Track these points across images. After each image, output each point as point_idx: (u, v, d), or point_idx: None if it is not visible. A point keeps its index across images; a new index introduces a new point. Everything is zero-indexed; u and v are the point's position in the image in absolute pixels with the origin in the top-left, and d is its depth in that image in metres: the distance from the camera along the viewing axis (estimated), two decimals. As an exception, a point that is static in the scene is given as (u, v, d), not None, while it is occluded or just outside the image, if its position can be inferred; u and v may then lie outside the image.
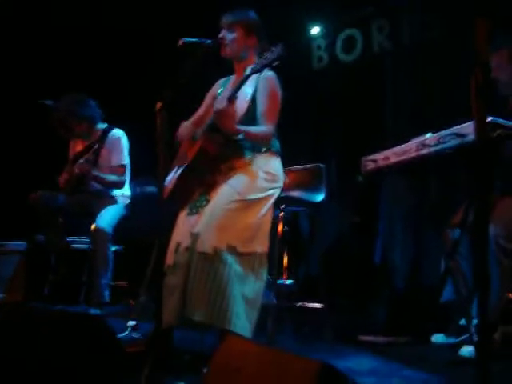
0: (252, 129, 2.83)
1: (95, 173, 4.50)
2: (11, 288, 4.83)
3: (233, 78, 3.21)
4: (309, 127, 5.82)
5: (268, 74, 2.92)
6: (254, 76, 2.80)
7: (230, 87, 3.09)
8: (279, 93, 2.98)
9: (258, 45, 3.06)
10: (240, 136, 2.79)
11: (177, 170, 3.09)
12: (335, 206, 5.29)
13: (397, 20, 5.19)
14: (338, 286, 4.71)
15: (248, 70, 2.67)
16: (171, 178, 3.09)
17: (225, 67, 3.23)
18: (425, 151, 2.87)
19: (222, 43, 3.00)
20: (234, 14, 3.06)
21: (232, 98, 2.68)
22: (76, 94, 4.65)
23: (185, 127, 3.14)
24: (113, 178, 4.59)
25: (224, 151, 2.86)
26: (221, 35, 3.01)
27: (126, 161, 4.66)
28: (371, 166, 3.20)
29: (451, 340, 3.20)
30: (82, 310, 4.23)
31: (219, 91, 3.22)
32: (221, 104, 2.68)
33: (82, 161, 4.49)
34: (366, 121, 5.26)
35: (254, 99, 2.90)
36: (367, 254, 5.04)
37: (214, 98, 3.25)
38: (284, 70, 2.84)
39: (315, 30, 5.74)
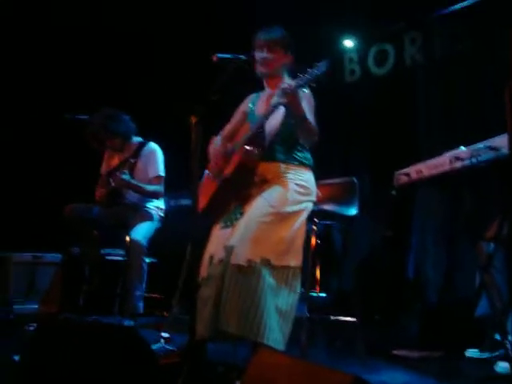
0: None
1: (133, 182, 4.55)
2: (47, 299, 4.89)
3: (263, 93, 3.24)
4: (341, 140, 5.81)
5: (304, 90, 2.94)
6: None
7: (262, 103, 3.12)
8: (314, 104, 3.02)
9: (292, 62, 3.11)
10: (303, 124, 2.82)
11: (211, 181, 3.12)
12: (368, 219, 5.27)
13: (429, 33, 5.17)
14: (371, 300, 4.68)
15: (294, 82, 2.68)
16: (202, 187, 3.12)
17: (254, 83, 3.27)
18: (458, 164, 2.86)
19: (257, 60, 3.02)
20: (271, 32, 3.09)
21: (298, 88, 2.69)
22: (109, 109, 4.70)
23: (216, 142, 3.17)
24: (151, 187, 4.63)
25: (260, 164, 2.89)
26: (260, 54, 3.03)
27: (163, 172, 4.70)
28: (404, 179, 3.20)
29: (486, 355, 3.16)
30: (115, 321, 4.27)
31: (250, 106, 3.25)
32: (289, 88, 2.68)
33: (118, 174, 4.54)
34: (398, 134, 5.23)
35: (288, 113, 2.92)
36: (400, 267, 5.00)
37: (245, 113, 3.29)
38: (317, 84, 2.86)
39: (349, 43, 5.75)
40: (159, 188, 4.68)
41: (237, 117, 3.35)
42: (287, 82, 2.76)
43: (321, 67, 2.55)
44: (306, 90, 2.93)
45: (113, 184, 4.55)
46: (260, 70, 3.06)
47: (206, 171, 3.24)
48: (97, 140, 4.62)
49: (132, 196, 4.67)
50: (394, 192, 3.32)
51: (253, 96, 3.32)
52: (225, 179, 2.97)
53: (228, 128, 3.35)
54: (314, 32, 5.48)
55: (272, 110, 2.86)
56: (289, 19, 3.25)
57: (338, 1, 5.56)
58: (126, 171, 4.52)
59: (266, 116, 2.84)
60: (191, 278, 2.50)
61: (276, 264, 2.68)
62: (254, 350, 2.60)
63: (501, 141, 2.66)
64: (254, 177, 2.94)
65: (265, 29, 3.11)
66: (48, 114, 5.65)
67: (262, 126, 2.89)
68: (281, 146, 2.96)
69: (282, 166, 2.94)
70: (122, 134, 4.68)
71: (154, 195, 4.69)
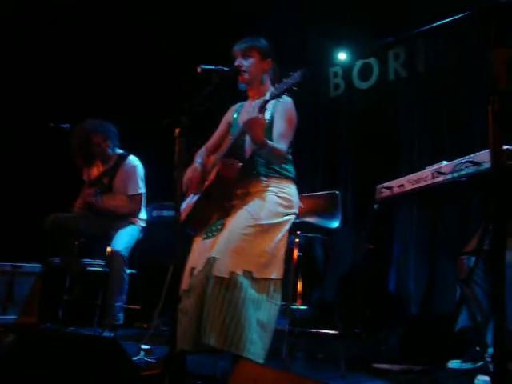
0: (275, 144, 2.85)
1: (107, 206, 4.58)
2: (26, 309, 4.85)
3: (246, 103, 3.24)
4: (324, 153, 5.84)
5: (285, 98, 2.94)
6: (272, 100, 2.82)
7: (243, 114, 3.13)
8: (295, 117, 3.02)
9: (273, 69, 3.12)
10: (265, 150, 2.80)
11: (193, 196, 3.12)
12: (350, 232, 5.30)
13: (412, 48, 5.23)
14: (352, 313, 4.69)
15: (267, 95, 2.69)
16: (187, 203, 3.12)
17: (239, 94, 3.28)
18: (440, 179, 2.87)
19: (240, 70, 3.03)
20: (248, 41, 3.11)
21: (263, 109, 2.69)
22: (95, 119, 4.69)
23: (199, 155, 3.17)
24: (125, 209, 4.64)
25: (241, 176, 2.89)
26: (237, 63, 3.06)
27: (142, 189, 4.70)
28: (386, 193, 3.21)
29: (468, 365, 3.17)
30: (95, 332, 4.23)
31: (234, 117, 3.26)
32: (252, 113, 2.69)
33: (94, 191, 4.57)
34: (381, 148, 5.28)
35: (271, 122, 2.93)
36: (381, 280, 5.03)
37: (229, 124, 3.29)
38: (300, 97, 2.87)
39: (342, 56, 5.79)
40: (136, 207, 4.68)
41: (221, 128, 3.36)
42: (261, 100, 2.75)
43: (295, 77, 2.55)
44: (288, 99, 2.95)
45: (88, 199, 4.58)
46: (241, 78, 3.06)
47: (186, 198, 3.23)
48: (82, 149, 4.59)
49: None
50: (375, 206, 3.33)
51: (237, 105, 3.33)
52: (205, 191, 2.97)
53: (213, 139, 3.36)
54: (301, 46, 5.53)
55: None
56: (274, 34, 3.26)
57: (327, 17, 5.61)
58: (99, 191, 4.54)
59: (243, 129, 2.83)
60: (173, 289, 2.47)
61: (257, 276, 2.67)
62: (234, 362, 2.59)
63: (483, 155, 2.67)
64: (235, 189, 2.94)
65: (241, 40, 3.14)
66: (30, 122, 5.62)
67: (240, 138, 2.89)
68: (262, 159, 2.95)
69: (264, 179, 2.93)
70: (108, 142, 4.66)
71: (131, 214, 4.68)
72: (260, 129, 2.69)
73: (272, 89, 2.74)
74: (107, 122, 4.72)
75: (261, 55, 3.09)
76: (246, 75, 3.05)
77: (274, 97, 2.64)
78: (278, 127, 2.92)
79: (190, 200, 3.12)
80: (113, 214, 4.61)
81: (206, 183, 3.00)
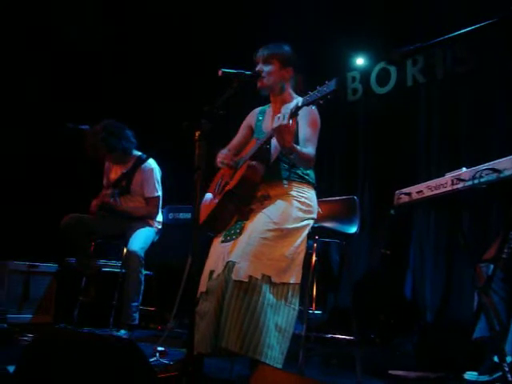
0: (303, 149, 2.85)
1: (124, 207, 4.62)
2: (41, 309, 4.88)
3: (269, 109, 3.25)
4: (342, 159, 5.83)
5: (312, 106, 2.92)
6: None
7: (269, 119, 3.13)
8: (319, 122, 3.04)
9: (294, 77, 3.11)
10: (293, 155, 2.80)
11: (212, 197, 3.12)
12: (367, 237, 5.29)
13: (431, 54, 5.21)
14: (368, 319, 4.67)
15: (300, 102, 2.67)
16: (204, 202, 3.13)
17: (259, 99, 3.28)
18: (460, 186, 2.85)
19: (259, 75, 3.04)
20: (270, 48, 3.11)
21: (294, 115, 2.68)
22: (112, 123, 4.67)
23: (223, 156, 3.17)
24: (142, 211, 4.68)
25: (264, 180, 2.90)
26: (258, 68, 3.06)
27: (159, 192, 4.72)
28: (404, 198, 3.18)
29: (484, 378, 3.14)
30: (111, 332, 4.25)
31: (257, 121, 3.26)
32: (281, 120, 2.69)
33: (111, 192, 4.61)
34: (399, 153, 5.26)
35: (296, 127, 2.92)
36: (398, 286, 5.00)
37: (251, 128, 3.29)
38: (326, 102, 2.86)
39: (360, 61, 5.79)
40: (153, 209, 4.71)
41: (243, 131, 3.37)
42: (290, 105, 2.74)
43: (330, 85, 2.54)
44: (313, 108, 2.95)
45: (105, 200, 4.60)
46: (260, 83, 3.07)
47: (207, 195, 3.24)
48: (96, 152, 4.62)
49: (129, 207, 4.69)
50: (393, 211, 3.31)
51: (260, 110, 3.33)
52: (228, 192, 2.97)
53: (234, 142, 3.37)
54: (323, 50, 5.53)
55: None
56: (294, 40, 3.26)
57: (345, 21, 5.60)
58: (117, 193, 4.57)
59: (271, 134, 2.83)
60: (189, 292, 2.47)
61: (276, 281, 2.67)
62: (252, 367, 2.59)
63: (503, 163, 2.65)
64: (256, 192, 2.94)
65: (265, 45, 3.14)
66: (49, 123, 5.65)
67: (267, 142, 2.90)
68: (285, 163, 2.97)
69: (285, 182, 2.94)
70: (122, 150, 4.67)
71: (148, 216, 4.70)
72: (290, 135, 2.69)
73: (295, 96, 2.73)
74: (125, 127, 4.71)
75: (281, 63, 3.09)
76: (265, 80, 3.06)
77: (308, 104, 2.62)
78: (304, 133, 2.93)
79: (209, 200, 3.13)
80: (130, 216, 4.63)
81: (229, 185, 3.00)
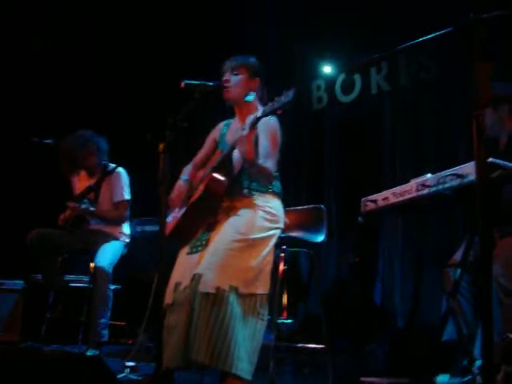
0: (263, 164, 2.83)
1: (91, 210, 4.53)
2: (8, 327, 4.79)
3: (234, 121, 3.23)
4: (308, 167, 5.85)
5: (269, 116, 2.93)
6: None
7: (233, 131, 3.12)
8: (279, 136, 3.03)
9: (261, 88, 3.11)
10: (253, 169, 2.80)
11: (179, 211, 3.10)
12: (335, 246, 5.31)
13: (395, 62, 5.26)
14: (338, 327, 4.68)
15: (259, 113, 2.68)
16: (171, 217, 3.11)
17: (224, 110, 3.27)
18: (425, 191, 2.88)
19: (225, 86, 3.03)
20: (238, 59, 3.11)
21: (253, 126, 2.67)
22: (85, 131, 4.68)
23: (185, 171, 3.17)
24: (114, 213, 4.64)
25: (228, 191, 2.88)
26: (225, 77, 3.05)
27: (128, 196, 4.68)
28: (371, 206, 3.21)
29: (456, 380, 3.16)
30: (79, 349, 4.18)
31: (221, 133, 3.25)
32: (243, 131, 2.68)
33: (76, 204, 4.52)
34: (365, 161, 5.30)
35: (256, 141, 2.91)
36: (367, 294, 5.03)
37: (216, 141, 3.29)
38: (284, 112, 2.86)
39: (327, 69, 5.81)
40: (123, 213, 4.67)
41: (208, 144, 3.35)
42: (251, 117, 2.74)
43: (288, 95, 2.53)
44: (273, 119, 2.95)
45: (70, 212, 4.52)
46: (226, 94, 3.06)
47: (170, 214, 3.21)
48: (70, 161, 4.57)
49: (96, 221, 4.63)
50: (360, 219, 3.33)
51: (225, 123, 3.31)
52: (192, 204, 2.96)
53: (200, 155, 3.35)
54: (289, 58, 5.56)
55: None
56: (256, 49, 3.27)
57: (310, 29, 5.64)
58: (86, 200, 4.51)
59: (233, 146, 2.83)
60: (157, 305, 2.45)
61: (244, 292, 2.65)
62: (222, 379, 2.57)
63: (467, 168, 2.69)
64: (221, 204, 2.93)
65: (232, 56, 3.14)
66: (13, 137, 5.58)
67: (230, 154, 2.89)
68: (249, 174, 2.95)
69: (251, 193, 2.93)
70: (97, 155, 4.65)
71: (118, 220, 4.65)
72: (251, 147, 2.68)
73: (260, 107, 2.73)
74: (97, 134, 4.69)
75: (249, 73, 3.09)
76: (231, 91, 3.05)
77: (266, 114, 2.62)
78: (263, 146, 2.90)
79: (176, 214, 3.11)
80: (101, 219, 4.59)
81: (193, 198, 2.99)
